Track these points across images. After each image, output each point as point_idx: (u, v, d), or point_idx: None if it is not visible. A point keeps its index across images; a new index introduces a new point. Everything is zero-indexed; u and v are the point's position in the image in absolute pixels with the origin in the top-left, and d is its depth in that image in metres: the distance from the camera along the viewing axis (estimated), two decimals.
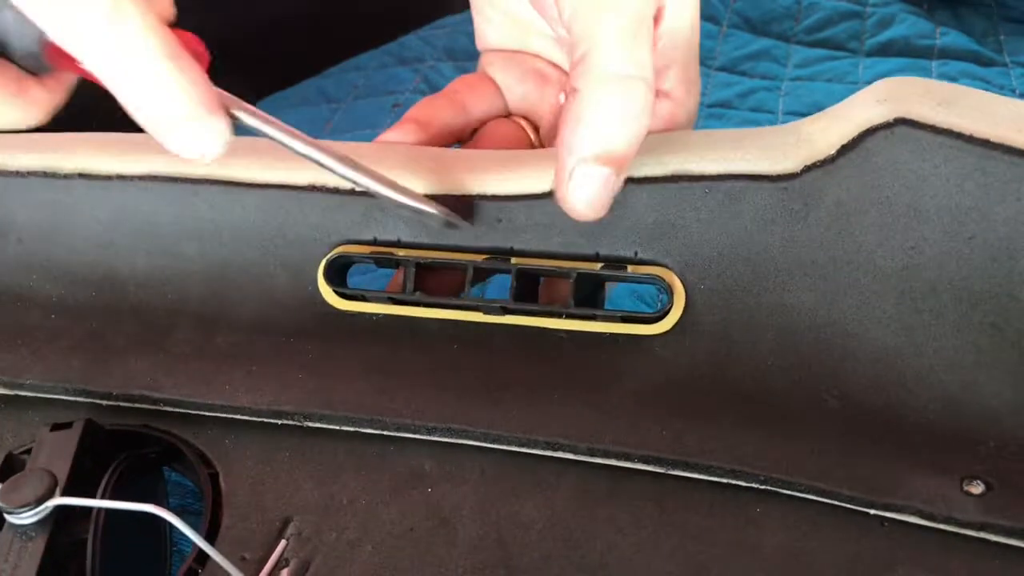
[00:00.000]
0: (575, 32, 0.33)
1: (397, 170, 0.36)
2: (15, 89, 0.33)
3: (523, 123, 0.46)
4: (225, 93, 0.31)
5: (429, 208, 0.35)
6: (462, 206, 0.36)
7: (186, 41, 0.31)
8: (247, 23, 0.79)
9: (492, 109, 0.46)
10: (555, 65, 0.46)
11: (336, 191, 0.37)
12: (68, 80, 0.35)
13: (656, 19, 0.35)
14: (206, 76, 0.30)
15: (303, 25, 0.83)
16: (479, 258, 0.36)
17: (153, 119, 0.30)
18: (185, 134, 0.30)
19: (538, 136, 0.46)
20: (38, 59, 0.32)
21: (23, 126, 0.35)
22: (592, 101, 0.32)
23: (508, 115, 0.46)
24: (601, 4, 0.33)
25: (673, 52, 0.38)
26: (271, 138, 0.33)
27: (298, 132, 0.33)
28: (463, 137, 0.45)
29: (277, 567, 0.31)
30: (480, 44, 0.46)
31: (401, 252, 0.37)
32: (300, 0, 0.82)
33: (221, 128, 0.30)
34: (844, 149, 0.32)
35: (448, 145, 0.44)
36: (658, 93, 0.37)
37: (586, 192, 0.32)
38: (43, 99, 0.34)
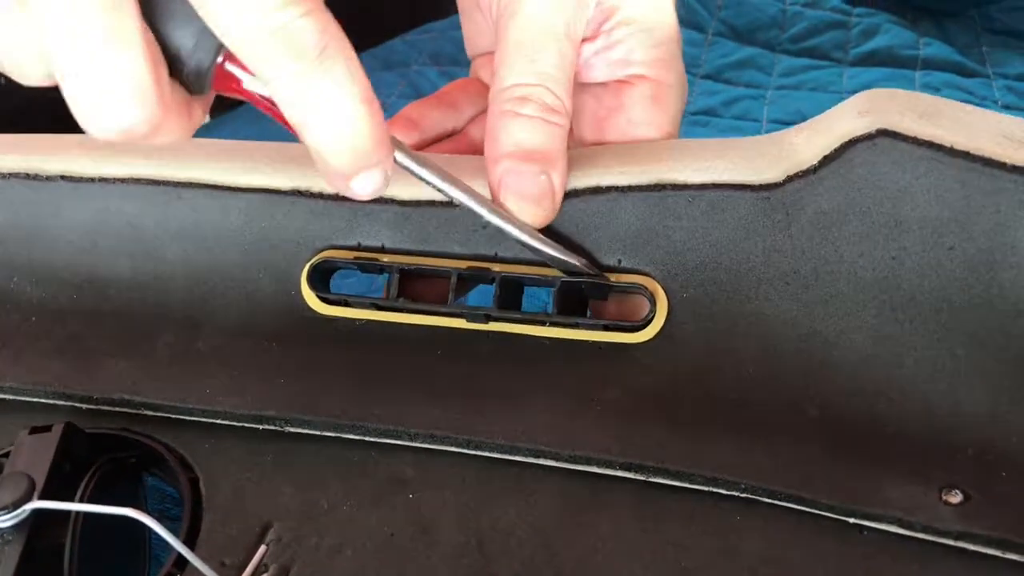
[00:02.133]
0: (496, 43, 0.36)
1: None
2: (185, 111, 0.30)
3: None
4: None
5: (572, 260, 0.35)
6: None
7: None
8: None
9: (480, 108, 0.46)
10: None
11: (320, 196, 0.37)
12: (211, 100, 0.32)
13: (609, 15, 0.38)
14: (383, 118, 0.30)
15: None
16: (463, 265, 0.36)
17: (338, 162, 0.29)
18: (366, 176, 0.30)
19: None
20: (203, 79, 0.29)
21: (173, 141, 0.31)
22: (495, 112, 0.35)
23: None
24: (506, 25, 0.36)
25: (639, 37, 0.39)
26: (424, 181, 0.33)
27: (453, 176, 0.33)
28: (450, 134, 0.46)
29: (257, 572, 0.31)
30: (470, 50, 0.46)
31: (385, 258, 0.37)
32: None
33: (388, 170, 0.30)
34: (826, 160, 0.32)
35: (438, 141, 0.44)
36: (631, 79, 0.39)
37: (514, 192, 0.34)
38: (197, 121, 0.31)
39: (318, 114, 0.28)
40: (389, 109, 0.70)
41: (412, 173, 0.32)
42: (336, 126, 0.29)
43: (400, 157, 0.31)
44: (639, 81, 0.39)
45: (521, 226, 0.34)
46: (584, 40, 0.38)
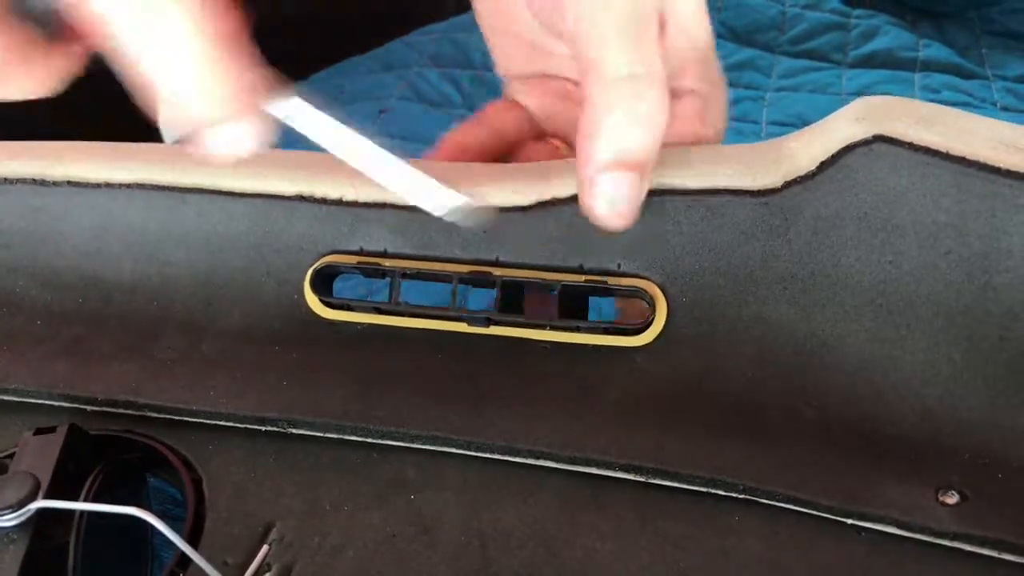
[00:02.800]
0: (578, 41, 0.32)
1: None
2: (19, 58, 0.27)
3: (558, 143, 0.46)
4: (270, 81, 0.29)
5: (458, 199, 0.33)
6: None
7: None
8: None
9: (524, 131, 0.45)
10: (576, 83, 0.45)
11: (324, 201, 0.38)
12: (79, 52, 0.29)
13: (662, 22, 0.34)
14: (246, 66, 0.27)
15: (291, 30, 0.83)
16: (464, 269, 0.37)
17: (181, 114, 0.27)
18: (217, 136, 0.28)
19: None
20: (50, 21, 0.27)
21: (29, 96, 0.28)
22: (602, 106, 0.31)
23: (542, 137, 0.46)
24: (596, 5, 0.32)
25: (689, 50, 0.36)
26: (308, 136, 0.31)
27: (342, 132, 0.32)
28: (498, 160, 0.44)
29: (259, 572, 0.31)
30: (500, 72, 0.44)
31: (387, 262, 0.37)
32: (288, 5, 0.82)
33: (254, 129, 0.28)
34: (824, 165, 0.33)
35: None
36: (681, 92, 0.36)
37: (609, 199, 0.32)
38: (51, 69, 0.28)
39: (157, 47, 0.26)
40: (390, 111, 0.70)
41: (298, 128, 0.30)
42: (179, 62, 0.26)
43: (275, 109, 0.29)
44: (687, 95, 0.37)
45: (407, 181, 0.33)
46: None
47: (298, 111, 0.30)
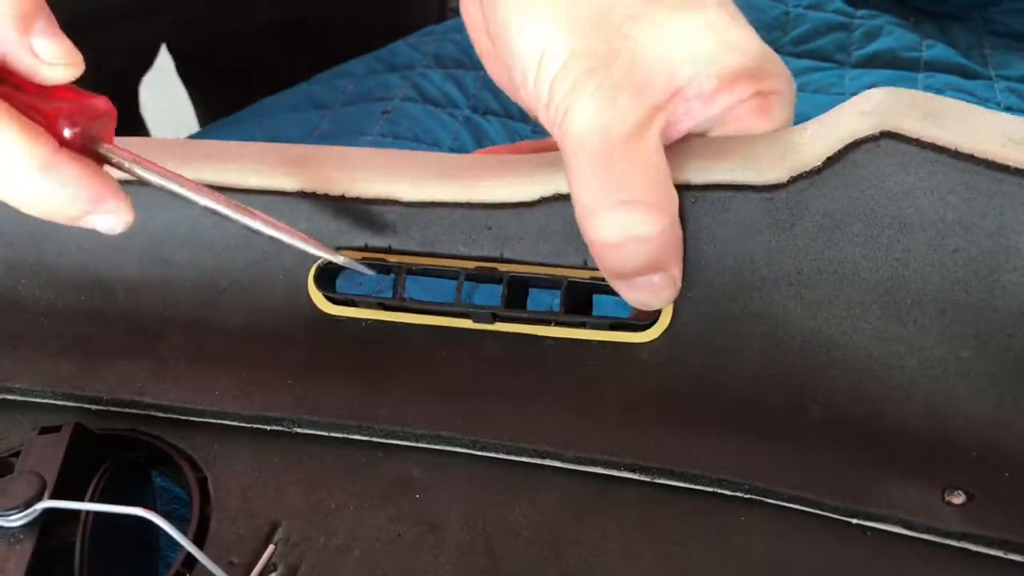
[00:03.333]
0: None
1: (403, 174, 0.37)
2: None
3: None
4: (110, 147, 0.32)
5: (306, 245, 0.35)
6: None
7: (84, 106, 0.32)
8: (238, 29, 0.79)
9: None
10: None
11: (326, 197, 0.38)
12: None
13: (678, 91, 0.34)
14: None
15: (293, 31, 0.83)
16: (470, 266, 0.37)
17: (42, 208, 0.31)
18: (90, 222, 0.32)
19: None
20: None
21: None
22: (584, 234, 0.34)
23: None
24: (568, 145, 0.33)
25: (755, 67, 0.35)
26: (151, 183, 0.33)
27: (179, 175, 0.34)
28: None
29: (265, 572, 0.31)
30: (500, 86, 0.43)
31: (392, 258, 0.37)
32: (289, 6, 0.82)
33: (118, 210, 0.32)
34: (830, 161, 0.32)
35: None
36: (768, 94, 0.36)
37: (632, 301, 0.35)
38: None
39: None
40: (394, 112, 0.70)
41: (161, 187, 0.33)
42: (23, 186, 0.30)
43: (144, 174, 0.32)
44: (750, 100, 0.35)
45: (255, 218, 0.34)
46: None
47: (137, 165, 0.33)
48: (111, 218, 0.32)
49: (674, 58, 0.33)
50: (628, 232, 0.33)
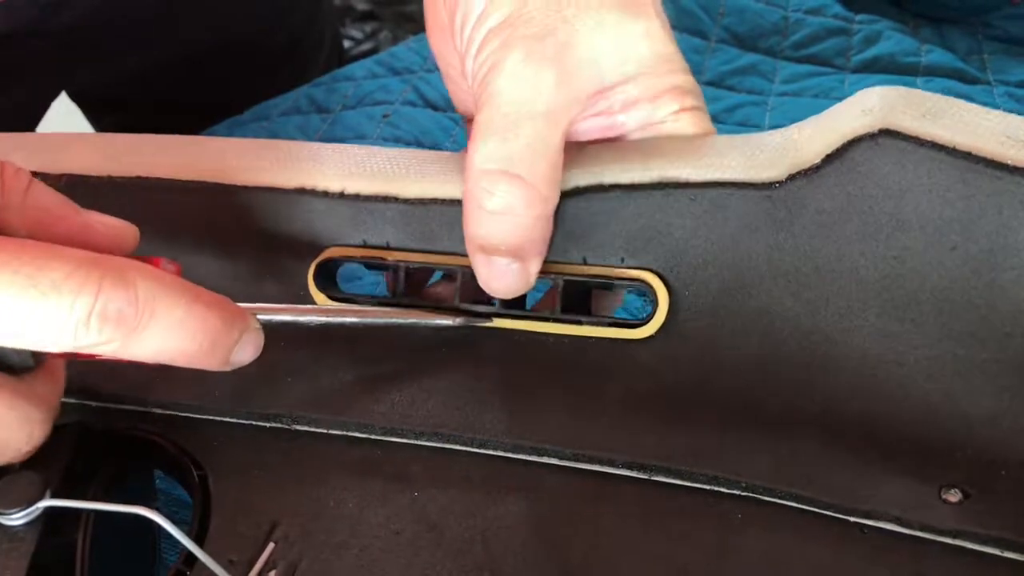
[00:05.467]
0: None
1: (403, 172, 0.37)
2: (8, 399, 0.29)
3: None
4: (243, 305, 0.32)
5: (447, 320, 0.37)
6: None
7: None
8: (242, 30, 0.79)
9: None
10: None
11: (325, 194, 0.38)
12: (59, 370, 0.32)
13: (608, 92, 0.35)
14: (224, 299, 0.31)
15: (294, 32, 0.83)
16: (468, 263, 0.37)
17: (198, 353, 0.29)
18: (236, 353, 0.31)
19: None
20: (29, 366, 0.30)
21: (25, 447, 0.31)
22: (465, 194, 0.34)
23: None
24: (487, 98, 0.34)
25: (682, 80, 0.37)
26: (294, 324, 0.35)
27: (313, 307, 0.36)
28: None
29: (265, 570, 0.32)
30: (460, 110, 0.44)
31: (390, 256, 0.38)
32: (291, 7, 0.82)
33: (256, 336, 0.32)
34: (829, 158, 0.33)
35: None
36: (696, 110, 0.37)
37: (484, 278, 0.35)
38: (41, 399, 0.31)
39: (173, 347, 0.29)
40: (394, 115, 0.70)
41: (282, 323, 0.34)
42: (188, 338, 0.29)
43: (263, 317, 0.33)
44: (688, 112, 0.37)
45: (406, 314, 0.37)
46: (596, 115, 0.36)
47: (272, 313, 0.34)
48: (251, 343, 0.32)
49: (606, 57, 0.35)
50: (508, 205, 0.33)
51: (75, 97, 0.79)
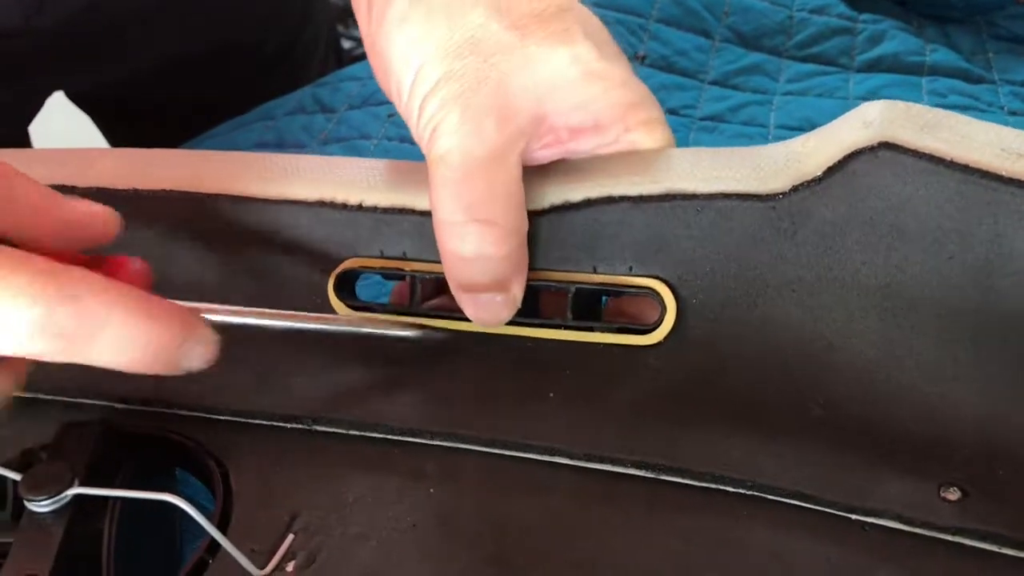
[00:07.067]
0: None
1: (419, 184, 0.38)
2: None
3: None
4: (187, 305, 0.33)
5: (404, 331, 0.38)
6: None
7: (119, 268, 0.32)
8: (244, 30, 0.79)
9: None
10: None
11: (344, 206, 0.39)
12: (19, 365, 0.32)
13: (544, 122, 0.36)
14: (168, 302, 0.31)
15: (287, 33, 0.83)
16: None
17: (146, 362, 0.30)
18: (187, 359, 0.31)
19: None
20: None
21: None
22: (439, 246, 0.36)
23: None
24: (433, 160, 0.36)
25: (622, 95, 0.38)
26: (243, 326, 0.36)
27: (270, 311, 0.37)
28: None
29: (284, 559, 0.32)
30: None
31: (408, 266, 0.39)
32: (284, 8, 0.83)
33: (209, 340, 0.32)
34: (831, 171, 0.33)
35: None
36: (647, 123, 0.38)
37: (472, 313, 0.36)
38: None
39: (121, 357, 0.29)
40: (398, 115, 0.71)
41: (233, 324, 0.35)
42: (137, 350, 0.30)
43: (213, 318, 0.34)
44: (656, 127, 0.38)
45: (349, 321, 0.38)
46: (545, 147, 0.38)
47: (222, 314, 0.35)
48: (202, 348, 0.32)
49: (540, 88, 0.36)
50: (479, 249, 0.35)
51: (74, 99, 0.79)
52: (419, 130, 0.37)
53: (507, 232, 0.35)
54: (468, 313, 0.37)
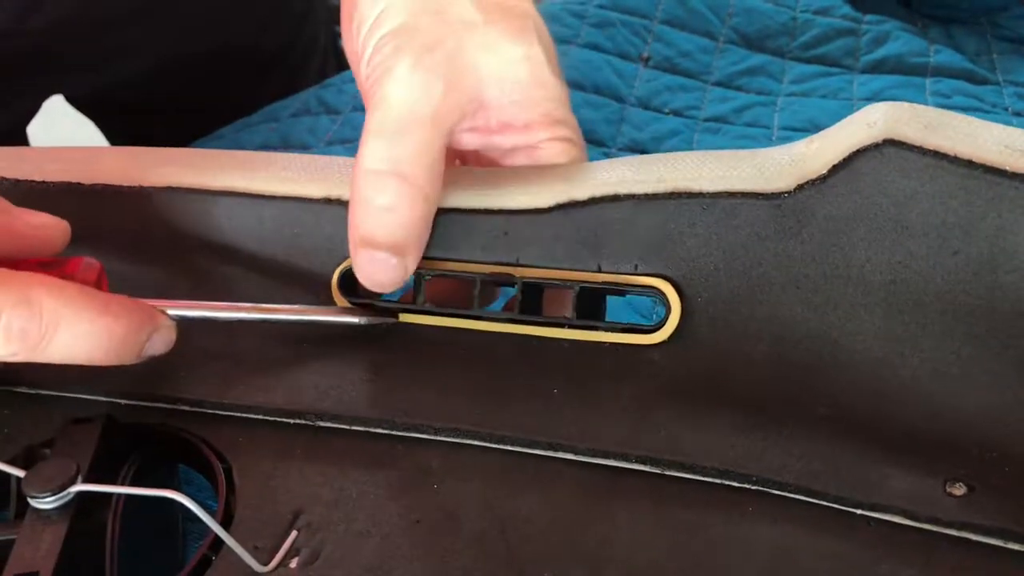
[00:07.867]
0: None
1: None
2: None
3: None
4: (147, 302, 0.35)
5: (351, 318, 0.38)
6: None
7: (74, 268, 0.34)
8: (243, 31, 0.79)
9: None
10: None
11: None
12: None
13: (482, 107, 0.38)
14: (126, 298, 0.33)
15: (286, 35, 0.83)
16: (486, 270, 0.38)
17: (106, 357, 0.32)
18: (146, 350, 0.34)
19: None
20: None
21: None
22: (351, 193, 0.36)
23: None
24: (375, 103, 0.36)
25: (554, 108, 0.39)
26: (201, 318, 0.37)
27: (230, 304, 0.38)
28: None
29: (288, 555, 0.32)
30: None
31: None
32: (295, 7, 0.83)
33: (166, 331, 0.35)
34: (835, 168, 0.34)
35: None
36: (569, 140, 0.40)
37: (364, 272, 0.37)
38: None
39: (80, 354, 0.32)
40: None
41: (193, 318, 0.36)
42: (95, 346, 0.32)
43: (173, 312, 0.35)
44: (564, 144, 0.40)
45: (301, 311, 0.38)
46: (473, 130, 0.39)
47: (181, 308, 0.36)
48: (161, 338, 0.35)
49: (488, 74, 0.37)
50: (394, 202, 0.35)
51: (72, 100, 0.79)
52: (368, 67, 0.37)
53: (424, 195, 0.36)
54: (360, 271, 0.37)
